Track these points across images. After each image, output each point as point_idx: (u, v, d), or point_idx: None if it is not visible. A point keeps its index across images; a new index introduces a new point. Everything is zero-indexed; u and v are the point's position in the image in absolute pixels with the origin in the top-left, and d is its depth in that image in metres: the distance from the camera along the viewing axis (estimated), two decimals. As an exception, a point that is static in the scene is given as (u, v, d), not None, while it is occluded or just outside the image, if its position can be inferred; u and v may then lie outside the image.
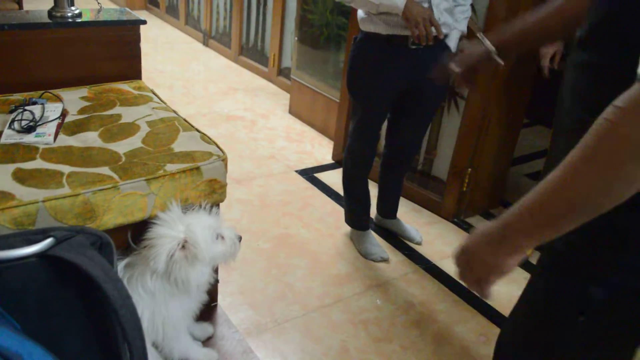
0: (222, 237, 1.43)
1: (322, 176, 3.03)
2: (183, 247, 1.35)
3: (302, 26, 3.63)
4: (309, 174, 3.03)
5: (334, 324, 1.98)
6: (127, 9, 2.17)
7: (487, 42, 1.32)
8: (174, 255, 1.33)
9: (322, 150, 3.35)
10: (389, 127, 2.28)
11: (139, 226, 1.43)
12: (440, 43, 1.97)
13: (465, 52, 1.41)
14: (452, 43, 2.03)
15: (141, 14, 2.12)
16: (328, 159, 3.24)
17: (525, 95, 2.66)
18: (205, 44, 5.34)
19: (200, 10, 5.42)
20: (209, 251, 1.39)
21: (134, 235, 1.43)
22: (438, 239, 2.57)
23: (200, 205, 1.48)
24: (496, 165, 2.74)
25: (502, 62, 1.35)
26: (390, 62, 1.98)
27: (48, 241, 1.13)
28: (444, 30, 1.93)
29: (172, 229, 1.37)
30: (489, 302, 2.18)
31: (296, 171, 3.05)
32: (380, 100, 2.08)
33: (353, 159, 2.28)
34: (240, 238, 1.48)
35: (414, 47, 1.92)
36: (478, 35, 1.35)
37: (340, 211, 2.67)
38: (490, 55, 1.33)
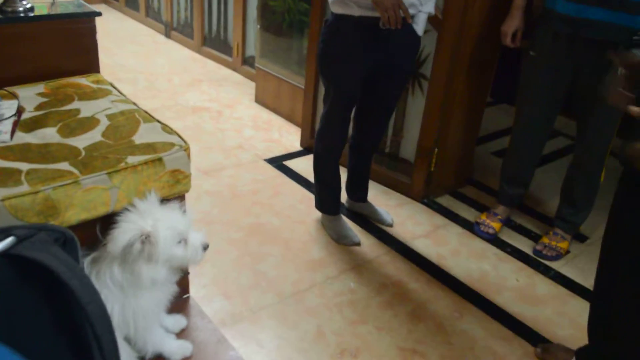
0: (186, 242, 1.41)
1: (291, 164, 3.02)
2: (143, 241, 1.33)
3: (264, 14, 3.60)
4: (277, 162, 3.02)
5: (309, 309, 1.98)
6: (83, 2, 2.12)
7: None
8: (132, 246, 1.32)
9: (289, 137, 3.33)
10: (357, 110, 2.28)
11: (106, 219, 1.41)
12: (409, 25, 1.99)
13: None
14: (419, 26, 2.04)
15: (99, 7, 2.08)
16: (296, 146, 3.23)
17: (489, 74, 2.69)
18: (168, 35, 5.26)
19: (160, 2, 5.33)
20: (166, 253, 1.37)
21: (102, 229, 1.41)
22: (409, 220, 2.59)
23: (166, 201, 1.45)
24: (462, 144, 2.77)
25: None
26: (361, 44, 2.00)
27: (9, 240, 1.11)
28: (411, 11, 1.95)
29: (142, 218, 1.35)
30: (460, 279, 2.21)
31: (265, 160, 3.04)
32: (352, 82, 2.08)
33: (324, 143, 2.28)
34: (206, 247, 1.45)
35: (384, 28, 1.94)
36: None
37: (310, 198, 2.67)
38: None
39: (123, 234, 1.31)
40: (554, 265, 2.36)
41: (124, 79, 4.07)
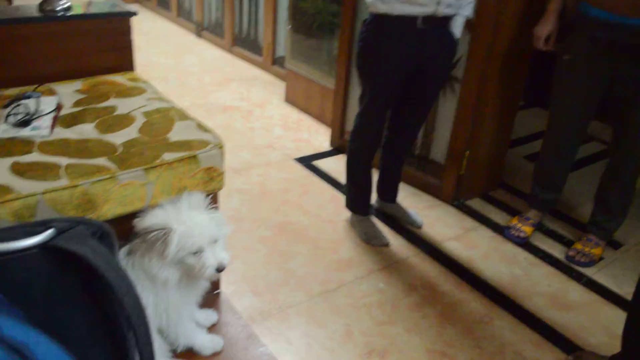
0: (201, 255, 1.38)
1: (320, 163, 3.03)
2: (162, 234, 1.33)
3: (294, 14, 3.61)
4: (307, 162, 3.03)
5: (337, 308, 1.98)
6: (117, 1, 2.15)
7: None
8: (151, 232, 1.32)
9: (319, 137, 3.34)
10: (392, 110, 2.28)
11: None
12: (446, 25, 2.00)
13: None
14: (457, 29, 2.05)
15: (133, 7, 2.10)
16: (326, 146, 3.23)
17: (522, 77, 2.65)
18: (199, 35, 5.32)
19: (192, 2, 5.39)
20: (177, 257, 1.36)
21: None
22: (438, 222, 2.57)
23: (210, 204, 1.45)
24: (494, 147, 2.74)
25: None
26: (399, 42, 2.00)
27: (49, 232, 1.13)
28: (449, 11, 1.96)
29: (176, 216, 1.36)
30: (490, 283, 2.19)
31: (294, 159, 3.05)
32: (389, 82, 2.08)
33: (358, 142, 2.28)
34: (221, 269, 1.41)
35: (422, 27, 1.94)
36: None
37: (339, 198, 2.67)
38: None
39: (153, 217, 1.33)
40: (587, 271, 2.32)
41: (156, 77, 4.11)
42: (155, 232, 1.32)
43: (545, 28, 2.23)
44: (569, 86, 2.25)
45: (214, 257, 1.39)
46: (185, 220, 1.35)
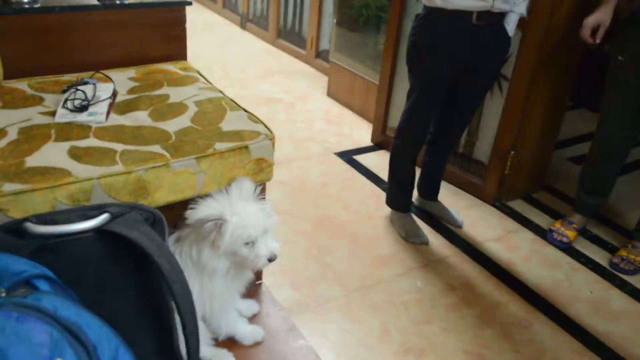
0: (253, 245, 1.40)
1: (361, 158, 3.02)
2: (216, 225, 1.35)
3: (340, 8, 3.61)
4: (347, 157, 3.03)
5: (374, 305, 1.99)
6: (172, -9, 2.19)
7: None
8: (205, 223, 1.34)
9: (361, 132, 3.34)
10: (440, 107, 2.26)
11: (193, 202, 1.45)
12: (500, 22, 1.99)
13: None
14: (510, 26, 2.02)
15: (184, -4, 2.13)
16: (367, 142, 3.23)
17: (571, 77, 2.60)
18: (243, 27, 5.36)
19: (237, -7, 5.43)
20: (230, 248, 1.38)
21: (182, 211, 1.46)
22: (479, 222, 2.55)
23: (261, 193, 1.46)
24: (539, 148, 2.69)
25: None
26: (453, 38, 1.99)
27: (104, 217, 1.17)
28: (505, 7, 1.94)
29: (230, 207, 1.37)
30: (530, 287, 2.16)
31: (335, 153, 3.06)
32: (439, 78, 2.07)
33: (404, 138, 2.27)
34: (273, 258, 1.43)
35: (477, 23, 1.93)
36: None
37: (379, 194, 2.66)
38: None
39: (206, 208, 1.35)
40: (632, 279, 2.27)
41: (200, 67, 4.13)
42: (209, 223, 1.34)
43: (595, 17, 2.13)
44: (622, 88, 2.19)
45: (265, 247, 1.41)
46: (238, 211, 1.37)
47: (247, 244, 1.38)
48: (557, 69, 2.46)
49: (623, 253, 2.35)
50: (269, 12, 4.89)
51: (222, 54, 4.64)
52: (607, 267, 2.33)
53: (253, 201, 1.43)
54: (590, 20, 2.15)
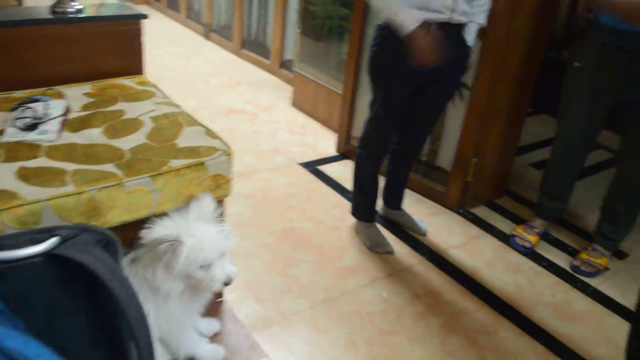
0: (209, 268, 1.37)
1: (326, 169, 3.02)
2: (172, 246, 1.32)
3: (304, 18, 3.61)
4: (312, 167, 3.03)
5: (340, 316, 1.98)
6: (129, 4, 2.16)
7: None
8: (160, 243, 1.31)
9: (325, 142, 3.34)
10: (403, 117, 2.26)
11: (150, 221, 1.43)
12: (460, 32, 2.01)
13: None
14: (470, 36, 2.04)
15: (142, 8, 2.11)
16: (331, 152, 3.23)
17: (530, 84, 2.64)
18: (207, 37, 5.32)
19: (201, 4, 5.39)
20: (184, 270, 1.35)
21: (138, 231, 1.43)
22: (443, 230, 2.56)
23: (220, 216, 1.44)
24: (501, 154, 2.73)
25: None
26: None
27: (53, 240, 1.13)
28: (463, 19, 1.95)
29: (186, 227, 1.34)
30: (495, 293, 2.18)
31: (299, 164, 3.05)
32: (401, 88, 2.07)
33: (368, 148, 2.27)
34: (229, 282, 1.40)
35: (436, 34, 1.94)
36: None
37: (344, 204, 2.66)
38: None
39: (161, 227, 1.32)
40: (592, 281, 2.31)
41: (163, 78, 4.12)
42: (165, 244, 1.31)
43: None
44: (579, 94, 2.24)
45: (222, 270, 1.38)
46: (195, 232, 1.34)
47: (202, 267, 1.35)
48: (516, 77, 2.50)
49: (583, 256, 2.39)
50: (233, 22, 4.87)
51: (186, 65, 4.60)
52: (569, 270, 2.37)
53: (212, 221, 1.40)
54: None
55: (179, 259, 1.31)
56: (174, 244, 1.31)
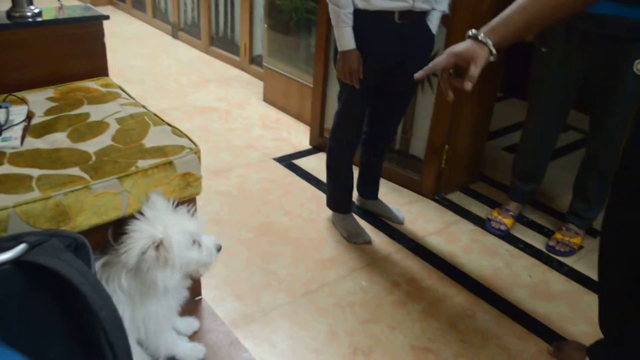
0: (199, 245, 1.40)
1: (301, 162, 3.02)
2: (157, 247, 1.32)
3: (271, 13, 3.59)
4: (287, 161, 3.02)
5: (321, 308, 1.98)
6: (90, 5, 2.12)
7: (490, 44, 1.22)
8: (145, 253, 1.31)
9: (298, 136, 3.33)
10: (371, 107, 2.27)
11: (118, 223, 1.41)
12: (423, 20, 2.02)
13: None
14: (434, 23, 2.06)
15: (107, 10, 2.08)
16: (305, 145, 3.22)
17: (499, 69, 2.67)
18: (175, 36, 5.27)
19: (167, 3, 5.33)
20: (182, 257, 1.36)
21: (113, 233, 1.41)
22: (420, 217, 2.58)
23: (178, 204, 1.44)
24: (473, 140, 2.75)
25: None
26: (378, 37, 2.00)
27: (21, 247, 1.11)
28: (426, 6, 1.97)
29: (152, 226, 1.34)
30: (473, 277, 2.20)
31: (274, 159, 3.04)
32: (369, 77, 2.07)
33: (338, 140, 2.27)
34: (219, 248, 1.45)
35: (400, 22, 1.96)
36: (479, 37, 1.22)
37: (320, 196, 2.66)
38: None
39: (135, 243, 1.31)
40: (567, 261, 2.34)
41: (132, 80, 4.08)
42: (149, 251, 1.31)
43: None
44: (547, 78, 2.26)
45: (209, 240, 1.42)
46: (167, 223, 1.35)
47: (192, 245, 1.38)
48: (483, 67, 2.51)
49: (558, 236, 2.42)
50: (200, 19, 4.83)
51: (155, 64, 4.54)
52: (544, 250, 2.40)
53: (172, 210, 1.41)
54: None
55: (172, 250, 1.32)
56: (159, 244, 1.31)
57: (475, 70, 1.20)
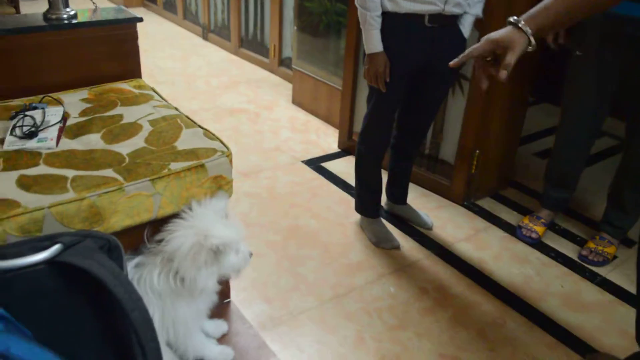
0: (237, 250, 1.42)
1: (329, 165, 3.01)
2: (212, 249, 1.34)
3: (300, 15, 3.59)
4: (315, 164, 3.01)
5: (348, 313, 1.97)
6: (123, 7, 2.15)
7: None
8: (196, 249, 1.32)
9: (327, 139, 3.32)
10: (401, 110, 2.25)
11: (154, 225, 1.43)
12: (455, 24, 2.00)
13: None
14: (466, 28, 2.04)
15: (139, 11, 2.10)
16: (334, 148, 3.21)
17: (531, 73, 2.62)
18: (205, 38, 5.31)
19: (198, 5, 5.38)
20: (227, 261, 1.39)
21: (149, 234, 1.43)
22: (449, 223, 2.55)
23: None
24: (504, 145, 2.71)
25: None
26: (407, 40, 1.99)
27: (56, 247, 1.13)
28: (457, 10, 1.95)
29: (203, 225, 1.36)
30: (502, 285, 2.16)
31: (302, 161, 3.03)
32: (397, 80, 2.06)
33: (367, 143, 2.26)
34: (251, 254, 1.47)
35: (430, 25, 1.94)
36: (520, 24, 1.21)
37: (348, 200, 2.65)
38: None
39: (183, 238, 1.32)
40: (601, 271, 2.29)
41: (162, 81, 4.13)
42: (202, 250, 1.33)
43: None
44: (582, 83, 2.22)
45: (244, 247, 1.45)
46: (217, 226, 1.37)
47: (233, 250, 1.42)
48: (516, 67, 2.46)
49: (591, 245, 2.37)
50: (230, 21, 4.86)
51: (185, 66, 4.59)
52: (577, 260, 2.35)
53: (218, 215, 1.43)
54: None
55: (223, 253, 1.35)
56: (216, 246, 1.34)
57: (511, 58, 1.18)
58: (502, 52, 1.19)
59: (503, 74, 1.19)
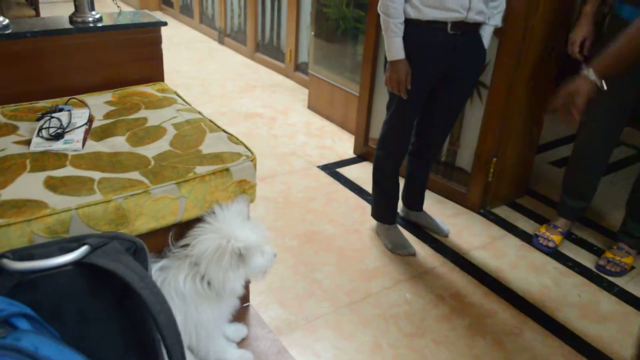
0: (262, 252, 1.45)
1: (345, 171, 3.01)
2: (239, 251, 1.36)
3: (317, 20, 3.61)
4: (331, 169, 3.02)
5: (364, 319, 1.97)
6: (146, 11, 2.16)
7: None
8: (220, 252, 1.34)
9: (342, 144, 3.33)
10: (420, 117, 2.25)
11: (178, 228, 1.44)
12: (476, 31, 2.01)
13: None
14: (485, 39, 2.04)
15: (155, 15, 2.11)
16: (349, 154, 3.22)
17: (549, 82, 2.62)
18: (221, 42, 5.34)
19: (214, 9, 5.42)
20: (254, 262, 1.42)
21: (175, 237, 1.44)
22: (465, 231, 2.54)
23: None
24: (521, 153, 2.70)
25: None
26: (429, 47, 1.99)
27: (83, 249, 1.14)
28: (480, 18, 1.95)
29: (231, 228, 1.39)
30: (519, 293, 2.16)
31: (318, 167, 3.04)
32: (419, 87, 2.06)
33: (386, 149, 2.26)
34: (275, 255, 1.50)
35: (452, 32, 1.94)
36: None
37: (364, 206, 2.65)
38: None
39: (208, 242, 1.35)
40: (618, 281, 2.28)
41: (179, 84, 4.15)
42: (229, 252, 1.35)
43: (580, 32, 2.20)
44: (601, 92, 2.20)
45: (269, 248, 1.48)
46: (244, 229, 1.40)
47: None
48: (534, 74, 2.48)
49: (609, 255, 2.36)
50: (247, 26, 4.88)
51: (201, 70, 4.61)
52: (594, 269, 2.34)
53: (245, 218, 1.45)
54: (577, 37, 2.20)
55: (250, 255, 1.38)
56: (241, 247, 1.36)
57: (579, 102, 1.55)
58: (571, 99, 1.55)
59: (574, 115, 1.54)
